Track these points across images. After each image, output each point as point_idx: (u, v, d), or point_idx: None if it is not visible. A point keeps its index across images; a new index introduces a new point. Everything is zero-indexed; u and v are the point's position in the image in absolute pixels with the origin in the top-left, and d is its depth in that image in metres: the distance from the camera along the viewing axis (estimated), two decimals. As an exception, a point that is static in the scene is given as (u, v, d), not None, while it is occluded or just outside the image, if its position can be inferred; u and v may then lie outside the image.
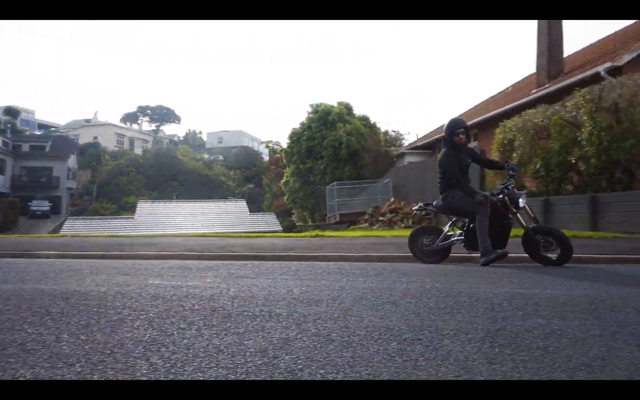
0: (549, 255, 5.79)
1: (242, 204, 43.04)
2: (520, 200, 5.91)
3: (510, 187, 6.04)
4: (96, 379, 1.96)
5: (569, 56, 18.90)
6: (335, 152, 27.38)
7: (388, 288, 4.15)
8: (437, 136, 24.54)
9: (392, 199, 19.83)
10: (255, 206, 46.82)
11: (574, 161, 10.69)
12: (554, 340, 2.50)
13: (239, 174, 63.75)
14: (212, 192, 55.24)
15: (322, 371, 2.03)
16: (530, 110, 12.69)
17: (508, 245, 6.00)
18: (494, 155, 13.58)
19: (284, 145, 33.98)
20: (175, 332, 2.67)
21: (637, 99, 9.65)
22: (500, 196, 5.94)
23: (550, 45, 16.75)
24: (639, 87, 9.68)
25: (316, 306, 3.36)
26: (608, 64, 12.50)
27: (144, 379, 1.96)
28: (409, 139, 33.59)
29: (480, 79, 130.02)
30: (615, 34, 18.36)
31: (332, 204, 23.89)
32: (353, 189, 24.08)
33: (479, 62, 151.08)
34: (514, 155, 12.09)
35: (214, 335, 2.61)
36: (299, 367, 2.08)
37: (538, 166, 11.48)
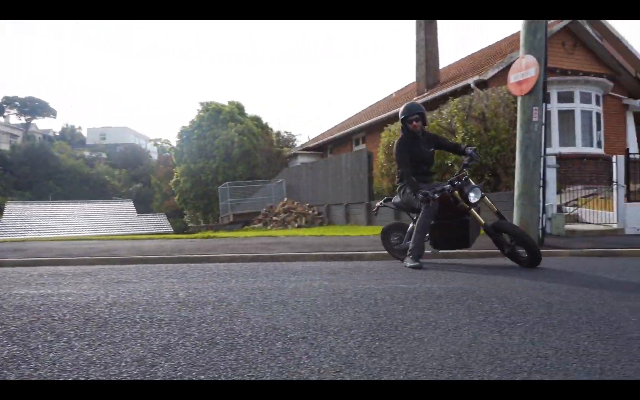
0: (520, 252, 5.39)
1: (128, 205, 40.66)
2: (471, 194, 5.29)
3: (463, 179, 5.38)
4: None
5: (444, 68, 20.62)
6: (227, 151, 26.92)
7: (277, 288, 4.15)
8: (327, 138, 25.26)
9: (286, 199, 19.98)
10: (143, 207, 44.43)
11: (450, 164, 11.61)
12: (429, 331, 2.68)
13: (125, 173, 60.01)
14: (94, 192, 51.46)
15: (202, 376, 1.96)
16: (413, 116, 13.53)
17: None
18: (380, 157, 14.30)
19: (174, 143, 32.73)
20: (40, 346, 2.42)
21: (500, 110, 10.78)
22: (449, 190, 5.30)
23: (427, 57, 18.12)
24: (501, 99, 10.82)
25: (201, 309, 3.26)
26: (476, 77, 13.80)
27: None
28: (301, 140, 34.26)
29: (366, 85, 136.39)
30: (482, 50, 20.31)
31: (225, 204, 23.44)
32: (246, 189, 23.85)
33: (365, 67, 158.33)
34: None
35: (86, 346, 2.41)
36: (179, 373, 1.99)
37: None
